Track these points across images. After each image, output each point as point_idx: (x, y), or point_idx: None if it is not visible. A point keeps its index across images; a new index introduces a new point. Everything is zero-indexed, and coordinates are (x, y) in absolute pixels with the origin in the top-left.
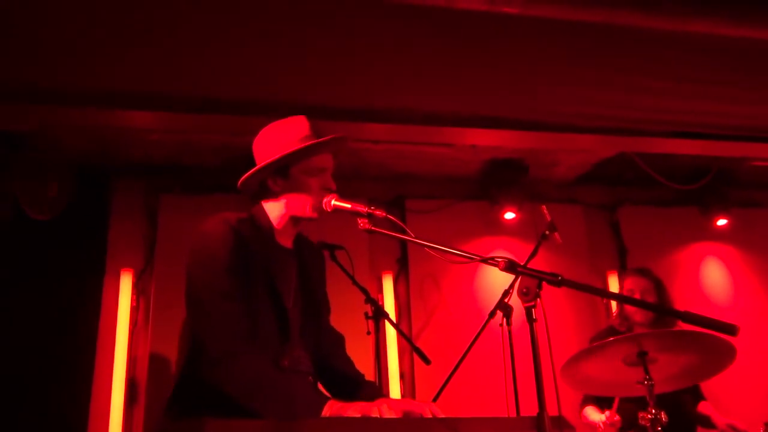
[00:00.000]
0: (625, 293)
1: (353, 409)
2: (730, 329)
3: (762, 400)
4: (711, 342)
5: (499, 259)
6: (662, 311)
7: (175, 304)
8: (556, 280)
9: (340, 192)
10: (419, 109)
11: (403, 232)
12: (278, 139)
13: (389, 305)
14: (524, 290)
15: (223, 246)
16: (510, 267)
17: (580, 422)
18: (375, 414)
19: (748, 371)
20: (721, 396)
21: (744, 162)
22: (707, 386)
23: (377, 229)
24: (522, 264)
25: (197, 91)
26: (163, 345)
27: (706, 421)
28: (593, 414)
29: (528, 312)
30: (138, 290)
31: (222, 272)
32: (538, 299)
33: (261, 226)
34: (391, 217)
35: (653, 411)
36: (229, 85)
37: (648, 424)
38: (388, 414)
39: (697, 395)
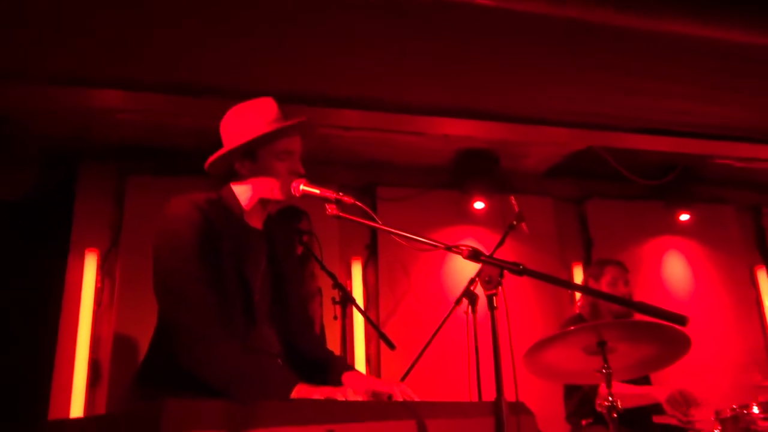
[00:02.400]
0: (608, 281)
1: (319, 394)
2: (680, 320)
3: (717, 391)
4: (667, 333)
5: (463, 248)
6: (618, 301)
7: (140, 286)
8: (517, 270)
9: (311, 178)
10: (392, 97)
11: (371, 219)
12: (246, 121)
13: (358, 291)
14: (486, 278)
15: (190, 227)
16: (473, 255)
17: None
18: (340, 399)
19: (704, 364)
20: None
21: (708, 159)
22: (668, 377)
23: (345, 216)
24: (487, 253)
25: (169, 73)
26: (128, 326)
27: (658, 409)
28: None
29: (489, 300)
30: (103, 271)
31: (189, 255)
32: (500, 287)
33: (230, 207)
34: (359, 203)
35: (610, 398)
36: (201, 69)
37: (605, 411)
38: (354, 399)
39: (646, 382)
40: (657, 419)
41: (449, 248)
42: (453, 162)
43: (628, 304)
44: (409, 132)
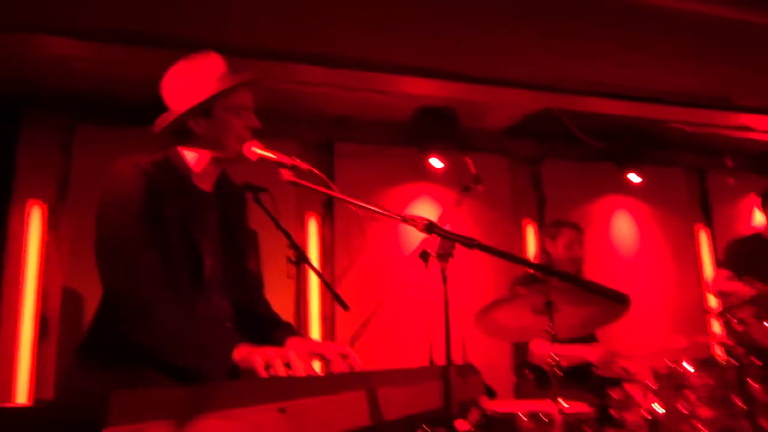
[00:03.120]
0: (564, 243)
1: (259, 355)
2: (623, 299)
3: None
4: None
5: (418, 220)
6: (565, 278)
7: (89, 239)
8: (470, 244)
9: (268, 133)
10: (354, 54)
11: (328, 186)
12: (195, 78)
13: (313, 248)
14: (440, 252)
15: (134, 191)
16: (428, 228)
17: (531, 355)
18: (277, 362)
19: (646, 320)
20: (620, 343)
21: (661, 123)
22: (609, 332)
23: (301, 182)
24: (443, 214)
25: (122, 22)
26: (77, 280)
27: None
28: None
29: (442, 273)
30: (50, 224)
31: (134, 218)
32: (451, 258)
33: (178, 168)
34: (315, 170)
35: (554, 356)
36: (155, 18)
37: (548, 369)
38: (295, 361)
39: (591, 338)
40: (598, 371)
41: (405, 220)
42: (412, 119)
43: (576, 281)
44: (370, 90)
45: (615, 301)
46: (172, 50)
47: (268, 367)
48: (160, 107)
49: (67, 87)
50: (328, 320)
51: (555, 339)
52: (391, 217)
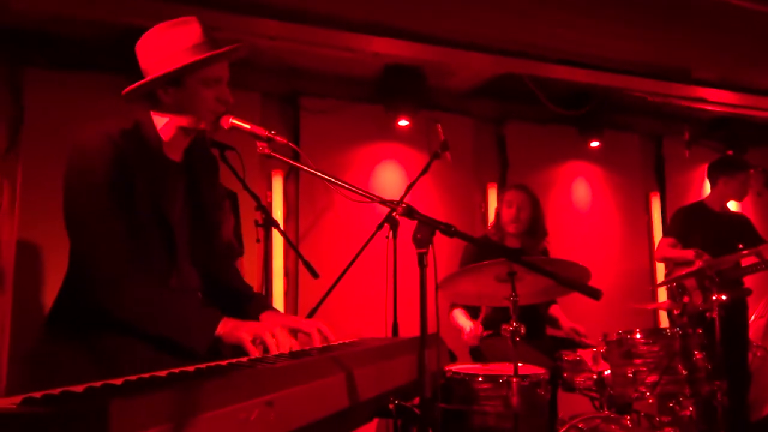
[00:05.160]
0: (504, 204)
1: (246, 330)
2: (595, 294)
3: (604, 310)
4: (570, 267)
5: (397, 204)
6: (542, 272)
7: (44, 188)
8: (449, 231)
9: (233, 83)
10: (320, 10)
11: (304, 162)
12: (168, 46)
13: (278, 204)
14: (418, 236)
15: (103, 160)
16: (408, 213)
17: (448, 323)
18: (268, 338)
19: (595, 281)
20: (569, 304)
21: (621, 91)
22: (570, 299)
23: (277, 156)
24: (409, 180)
25: None
26: (32, 231)
27: (554, 323)
28: (461, 317)
29: (420, 258)
30: (2, 173)
31: (102, 189)
32: (431, 246)
33: (147, 137)
34: (292, 144)
35: (514, 324)
36: None
37: (508, 335)
38: (282, 337)
39: (552, 302)
40: (551, 332)
41: (383, 202)
42: (380, 76)
43: (551, 276)
44: (336, 47)
45: (589, 296)
46: None
47: (255, 341)
48: (120, 49)
49: (13, 25)
50: (291, 275)
51: (517, 306)
52: (370, 198)
